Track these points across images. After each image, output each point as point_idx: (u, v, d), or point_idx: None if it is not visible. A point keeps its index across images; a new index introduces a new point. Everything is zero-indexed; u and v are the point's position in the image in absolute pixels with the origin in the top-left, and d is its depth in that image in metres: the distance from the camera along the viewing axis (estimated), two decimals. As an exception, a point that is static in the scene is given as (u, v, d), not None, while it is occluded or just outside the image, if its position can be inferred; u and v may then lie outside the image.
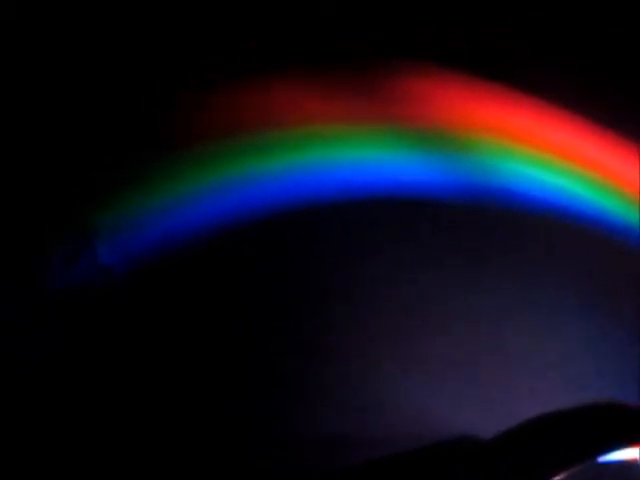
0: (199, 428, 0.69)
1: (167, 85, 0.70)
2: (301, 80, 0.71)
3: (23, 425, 0.67)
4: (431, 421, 0.70)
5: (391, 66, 0.71)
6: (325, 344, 0.71)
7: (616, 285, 0.73)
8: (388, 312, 0.72)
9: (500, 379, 0.72)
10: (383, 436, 0.70)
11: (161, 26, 0.70)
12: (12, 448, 0.67)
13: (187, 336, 0.70)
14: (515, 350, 0.72)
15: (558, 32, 0.72)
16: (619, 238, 0.73)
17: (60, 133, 0.69)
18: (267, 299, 0.71)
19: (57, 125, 0.69)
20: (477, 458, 0.57)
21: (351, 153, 0.72)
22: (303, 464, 0.69)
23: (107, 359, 0.69)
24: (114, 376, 0.69)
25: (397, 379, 0.71)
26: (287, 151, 0.71)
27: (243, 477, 0.69)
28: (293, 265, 0.71)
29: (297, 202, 0.71)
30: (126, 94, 0.70)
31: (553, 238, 0.73)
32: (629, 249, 0.73)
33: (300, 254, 0.71)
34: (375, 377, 0.71)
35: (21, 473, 0.66)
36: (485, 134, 0.72)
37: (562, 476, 0.53)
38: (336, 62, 0.71)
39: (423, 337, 0.72)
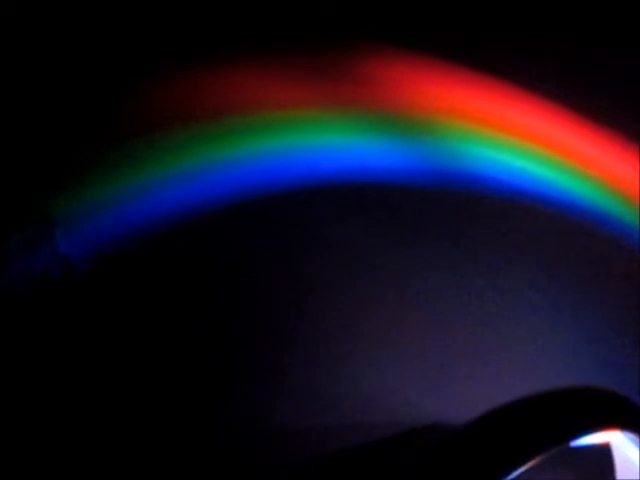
0: (180, 423, 0.68)
1: (130, 69, 0.69)
2: (265, 65, 0.70)
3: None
4: (406, 410, 0.69)
5: (356, 49, 0.71)
6: (301, 334, 0.70)
7: (608, 279, 0.72)
8: (360, 300, 0.71)
9: (483, 370, 0.71)
10: (355, 425, 0.69)
11: (124, 8, 0.69)
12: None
13: (149, 329, 0.69)
14: (491, 336, 0.71)
15: (538, 17, 0.72)
16: (609, 231, 0.72)
17: (21, 120, 0.68)
18: (233, 289, 0.70)
19: (17, 112, 0.68)
20: (448, 444, 0.56)
21: (317, 138, 0.71)
22: (276, 454, 0.68)
23: (63, 351, 0.67)
24: (71, 368, 0.67)
25: (373, 368, 0.70)
26: (251, 137, 0.70)
27: (225, 469, 0.68)
28: (259, 255, 0.70)
29: (261, 189, 0.70)
30: (88, 79, 0.69)
31: (536, 228, 0.72)
32: (621, 243, 0.72)
33: (265, 243, 0.70)
34: (349, 366, 0.70)
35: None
36: (455, 118, 0.72)
37: (535, 461, 0.52)
38: (301, 46, 0.70)
39: (399, 325, 0.71)
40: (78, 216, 0.68)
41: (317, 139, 0.71)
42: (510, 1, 0.72)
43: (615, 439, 0.59)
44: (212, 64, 0.70)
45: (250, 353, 0.70)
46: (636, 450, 0.58)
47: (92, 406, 0.67)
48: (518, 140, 0.72)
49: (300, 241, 0.70)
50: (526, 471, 0.51)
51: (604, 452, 0.56)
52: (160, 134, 0.69)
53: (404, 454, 0.67)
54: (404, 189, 0.71)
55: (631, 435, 0.58)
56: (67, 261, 0.69)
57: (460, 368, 0.72)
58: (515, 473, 0.51)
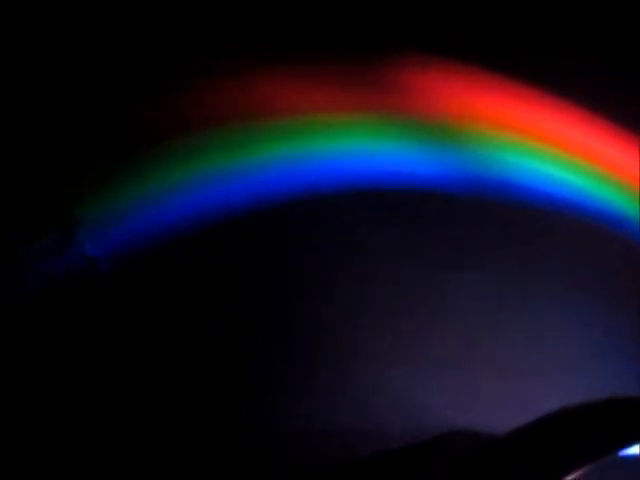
0: (189, 423, 0.68)
1: (155, 75, 0.69)
2: (298, 70, 0.70)
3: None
4: (426, 416, 0.69)
5: (390, 57, 0.70)
6: (325, 338, 0.70)
7: (619, 280, 0.72)
8: (386, 306, 0.70)
9: (499, 375, 0.71)
10: (377, 431, 0.69)
11: (148, 14, 0.69)
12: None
13: (172, 330, 0.68)
14: (516, 345, 0.71)
15: (559, 23, 0.72)
16: (622, 232, 0.72)
17: (47, 125, 0.68)
18: (258, 292, 0.69)
19: (43, 117, 0.68)
20: (488, 455, 0.55)
21: (349, 144, 0.70)
22: (296, 459, 0.67)
23: (91, 351, 0.67)
24: (99, 368, 0.67)
25: (392, 372, 0.70)
26: (282, 142, 0.70)
27: (233, 472, 0.67)
28: (288, 258, 0.70)
29: (291, 194, 0.69)
30: (113, 84, 0.68)
31: (555, 232, 0.72)
32: (631, 243, 0.72)
33: (294, 247, 0.70)
34: (370, 371, 0.70)
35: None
36: (485, 126, 0.71)
37: (581, 472, 0.51)
38: (334, 52, 0.70)
39: (422, 332, 0.70)
40: (103, 218, 0.68)
41: (348, 145, 0.70)
42: (543, 9, 0.72)
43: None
44: (245, 69, 0.69)
45: (274, 356, 0.69)
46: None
47: (113, 403, 0.67)
48: (550, 148, 0.72)
49: (330, 246, 0.70)
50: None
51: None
52: (187, 138, 0.69)
53: (430, 461, 0.66)
54: (435, 196, 0.70)
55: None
56: (91, 262, 0.68)
57: (482, 376, 0.71)
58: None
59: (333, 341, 0.69)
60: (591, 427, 0.54)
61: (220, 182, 0.69)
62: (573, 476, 0.52)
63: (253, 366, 0.69)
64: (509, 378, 0.71)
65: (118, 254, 0.68)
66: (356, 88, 0.70)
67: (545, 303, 0.72)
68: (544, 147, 0.72)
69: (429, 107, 0.71)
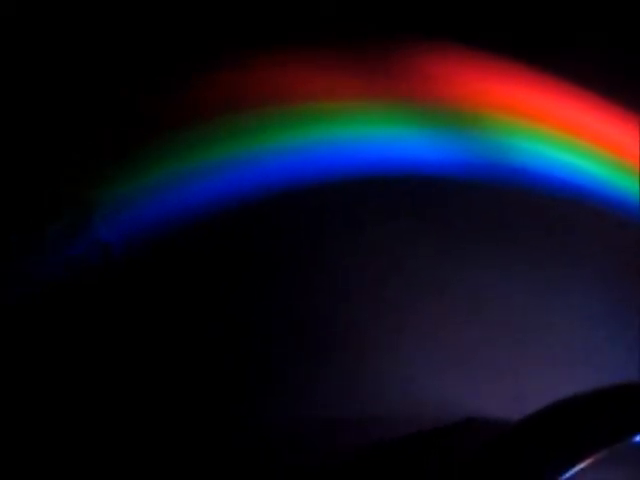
0: (188, 422, 0.68)
1: (167, 61, 0.69)
2: (315, 57, 0.69)
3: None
4: (440, 404, 0.69)
5: (403, 42, 0.70)
6: (337, 328, 0.69)
7: (633, 265, 0.72)
8: (400, 294, 0.70)
9: (512, 363, 0.70)
10: (388, 422, 0.69)
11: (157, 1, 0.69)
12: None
13: (182, 316, 0.68)
14: (528, 331, 0.71)
15: (575, 11, 0.71)
16: (637, 219, 0.72)
17: (60, 110, 0.67)
18: (271, 280, 0.69)
19: (57, 103, 0.67)
20: (502, 442, 0.55)
21: (366, 131, 0.70)
22: (306, 449, 0.67)
23: (101, 336, 0.67)
24: (108, 354, 0.67)
25: (402, 363, 0.70)
26: (291, 130, 0.69)
27: (234, 472, 0.67)
28: (294, 247, 0.69)
29: (299, 182, 0.69)
30: (128, 68, 0.68)
31: (569, 220, 0.71)
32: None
33: (301, 236, 0.69)
34: (378, 364, 0.70)
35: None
36: (497, 112, 0.71)
37: (597, 456, 0.51)
38: (352, 38, 0.70)
39: (433, 319, 0.70)
40: (117, 203, 0.68)
41: (366, 132, 0.70)
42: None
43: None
44: (261, 55, 0.69)
45: (285, 346, 0.69)
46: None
47: (113, 398, 0.67)
48: (564, 134, 0.72)
49: (344, 233, 0.70)
50: (587, 467, 0.51)
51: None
52: (202, 123, 0.69)
53: (444, 448, 0.66)
54: (451, 183, 0.70)
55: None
56: (106, 248, 0.68)
57: (496, 364, 0.71)
58: (578, 467, 0.51)
59: (339, 334, 0.69)
60: (605, 413, 0.53)
61: (230, 170, 0.69)
62: (587, 462, 0.52)
63: (254, 364, 0.69)
64: (522, 366, 0.71)
65: (133, 239, 0.68)
66: (366, 75, 0.70)
67: (559, 292, 0.71)
68: (558, 134, 0.71)
69: (441, 93, 0.70)
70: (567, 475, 0.52)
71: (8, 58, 0.67)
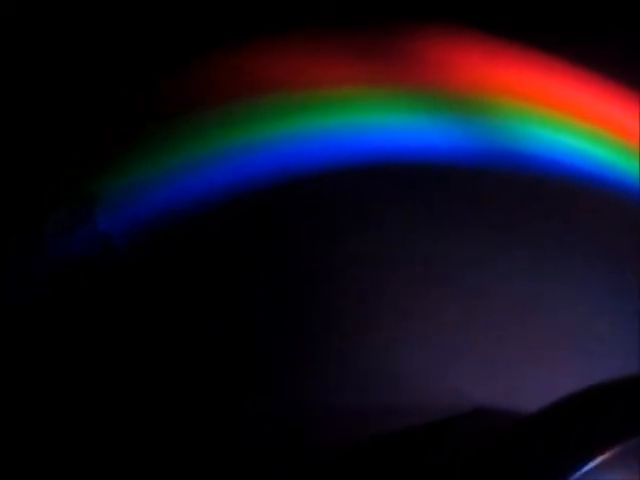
0: (193, 416, 0.67)
1: (168, 47, 0.68)
2: (317, 42, 0.69)
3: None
4: (445, 393, 0.68)
5: (410, 27, 0.69)
6: (347, 314, 0.69)
7: (636, 252, 0.71)
8: (409, 281, 0.69)
9: (520, 351, 0.70)
10: (389, 411, 0.68)
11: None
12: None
13: (186, 309, 0.67)
14: (537, 319, 0.70)
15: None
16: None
17: (61, 100, 0.67)
18: (281, 268, 0.68)
19: (58, 92, 0.67)
20: (514, 436, 0.54)
21: (370, 117, 0.69)
22: (310, 438, 0.67)
23: (102, 329, 0.66)
24: (111, 347, 0.66)
25: (407, 350, 0.69)
26: (302, 115, 0.69)
27: (239, 466, 0.66)
28: (299, 237, 0.69)
29: (308, 170, 0.68)
30: (127, 59, 0.68)
31: (579, 205, 0.71)
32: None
33: (311, 224, 0.69)
34: (383, 353, 0.69)
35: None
36: (506, 97, 0.70)
37: (614, 451, 0.50)
38: (354, 23, 0.69)
39: (440, 308, 0.70)
40: (118, 194, 0.67)
41: (369, 118, 0.69)
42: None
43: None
44: (262, 41, 0.68)
45: (297, 334, 0.68)
46: None
47: (126, 387, 0.66)
48: (575, 119, 0.71)
49: (352, 221, 0.69)
50: (602, 463, 0.50)
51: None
52: (204, 112, 0.68)
53: (449, 441, 0.65)
54: (461, 169, 0.69)
55: None
56: (107, 239, 0.67)
57: (506, 354, 0.71)
58: (596, 461, 0.50)
59: (345, 325, 0.69)
60: (626, 404, 0.53)
61: (233, 161, 0.68)
62: (606, 456, 0.51)
63: (259, 357, 0.68)
64: (531, 353, 0.70)
65: (135, 231, 0.67)
66: (373, 60, 0.69)
67: (568, 277, 0.71)
68: (567, 119, 0.71)
69: (449, 79, 0.70)
70: (584, 470, 0.51)
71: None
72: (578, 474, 0.51)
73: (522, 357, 0.70)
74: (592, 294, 0.71)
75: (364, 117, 0.69)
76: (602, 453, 0.51)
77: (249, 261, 0.69)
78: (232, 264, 0.68)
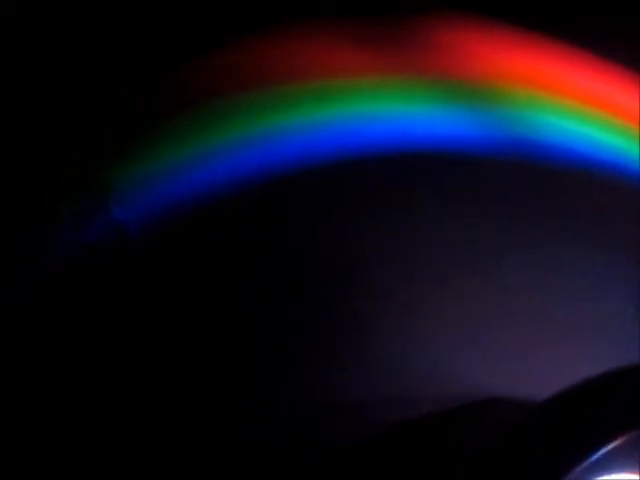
0: (193, 416, 0.67)
1: (185, 36, 0.68)
2: (329, 31, 0.68)
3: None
4: (452, 380, 0.68)
5: (427, 16, 0.69)
6: (357, 307, 0.69)
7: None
8: (421, 271, 0.69)
9: (533, 337, 0.70)
10: (405, 401, 0.68)
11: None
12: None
13: (186, 307, 0.67)
14: (550, 306, 0.70)
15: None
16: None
17: (76, 90, 0.67)
18: (295, 256, 0.68)
19: (73, 83, 0.67)
20: (531, 423, 0.54)
21: (386, 106, 0.69)
22: (320, 429, 0.67)
23: (117, 319, 0.66)
24: (123, 336, 0.66)
25: (418, 341, 0.69)
26: (320, 104, 0.69)
27: (239, 466, 0.67)
28: (319, 224, 0.69)
29: (327, 157, 0.68)
30: (144, 46, 0.68)
31: (592, 193, 0.71)
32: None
33: (327, 214, 0.69)
34: (395, 342, 0.69)
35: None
36: (519, 85, 0.70)
37: (621, 440, 0.50)
38: (372, 13, 0.69)
39: (452, 296, 0.70)
40: (134, 184, 0.67)
41: (383, 107, 0.69)
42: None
43: None
44: (281, 30, 0.68)
45: (308, 327, 0.68)
46: None
47: (127, 384, 0.66)
48: (591, 109, 0.71)
49: (364, 209, 0.69)
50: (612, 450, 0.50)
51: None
52: (222, 101, 0.68)
53: (463, 431, 0.65)
54: (474, 158, 0.69)
55: None
56: (122, 229, 0.68)
57: (519, 344, 0.71)
58: (607, 448, 0.50)
59: (352, 321, 0.69)
60: (631, 392, 0.52)
61: (256, 146, 0.68)
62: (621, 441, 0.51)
63: (260, 356, 0.68)
64: (544, 340, 0.70)
65: (150, 221, 0.67)
66: (387, 49, 0.69)
67: (581, 264, 0.71)
68: (582, 107, 0.71)
69: (462, 68, 0.70)
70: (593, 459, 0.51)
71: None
72: (579, 469, 0.51)
73: (529, 345, 0.70)
74: (596, 279, 0.71)
75: (377, 107, 0.69)
76: (605, 445, 0.51)
77: (255, 256, 0.69)
78: (239, 258, 0.68)
